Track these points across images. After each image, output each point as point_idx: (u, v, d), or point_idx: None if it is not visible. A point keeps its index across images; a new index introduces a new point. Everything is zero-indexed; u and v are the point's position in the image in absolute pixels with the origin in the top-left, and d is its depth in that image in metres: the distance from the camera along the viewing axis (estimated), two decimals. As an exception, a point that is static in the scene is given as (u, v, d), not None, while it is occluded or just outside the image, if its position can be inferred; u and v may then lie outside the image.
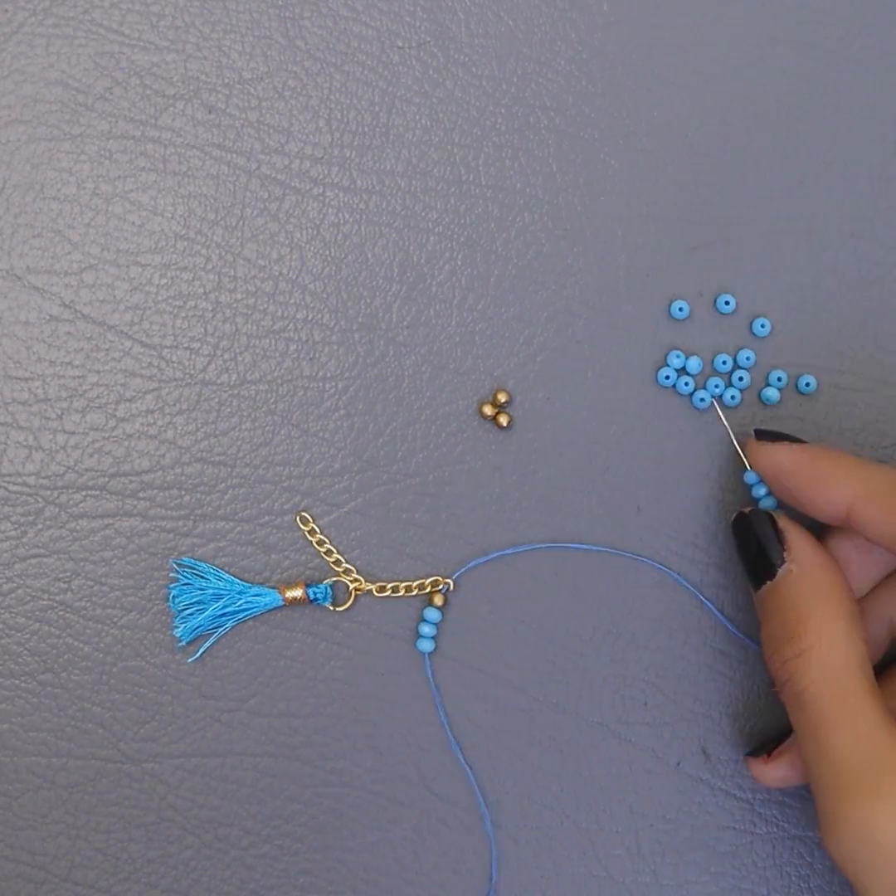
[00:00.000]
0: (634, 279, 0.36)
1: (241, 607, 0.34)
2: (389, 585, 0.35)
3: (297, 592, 0.34)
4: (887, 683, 0.32)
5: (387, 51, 0.36)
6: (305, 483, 0.35)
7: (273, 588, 0.34)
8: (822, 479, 0.30)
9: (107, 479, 0.35)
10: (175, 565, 0.34)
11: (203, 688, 0.35)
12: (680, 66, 0.37)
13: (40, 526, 0.35)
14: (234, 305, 0.36)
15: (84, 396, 0.35)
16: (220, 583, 0.34)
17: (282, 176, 0.36)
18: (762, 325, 0.36)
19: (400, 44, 0.37)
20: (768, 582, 0.30)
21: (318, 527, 0.35)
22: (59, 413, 0.35)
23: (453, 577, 0.35)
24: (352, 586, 0.35)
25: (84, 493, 0.35)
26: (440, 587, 0.35)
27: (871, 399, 0.36)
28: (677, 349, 0.36)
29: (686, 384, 0.36)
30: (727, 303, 0.36)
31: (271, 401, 0.35)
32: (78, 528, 0.35)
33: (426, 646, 0.35)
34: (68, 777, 0.34)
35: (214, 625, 0.34)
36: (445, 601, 0.35)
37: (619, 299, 0.36)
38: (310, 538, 0.35)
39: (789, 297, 0.36)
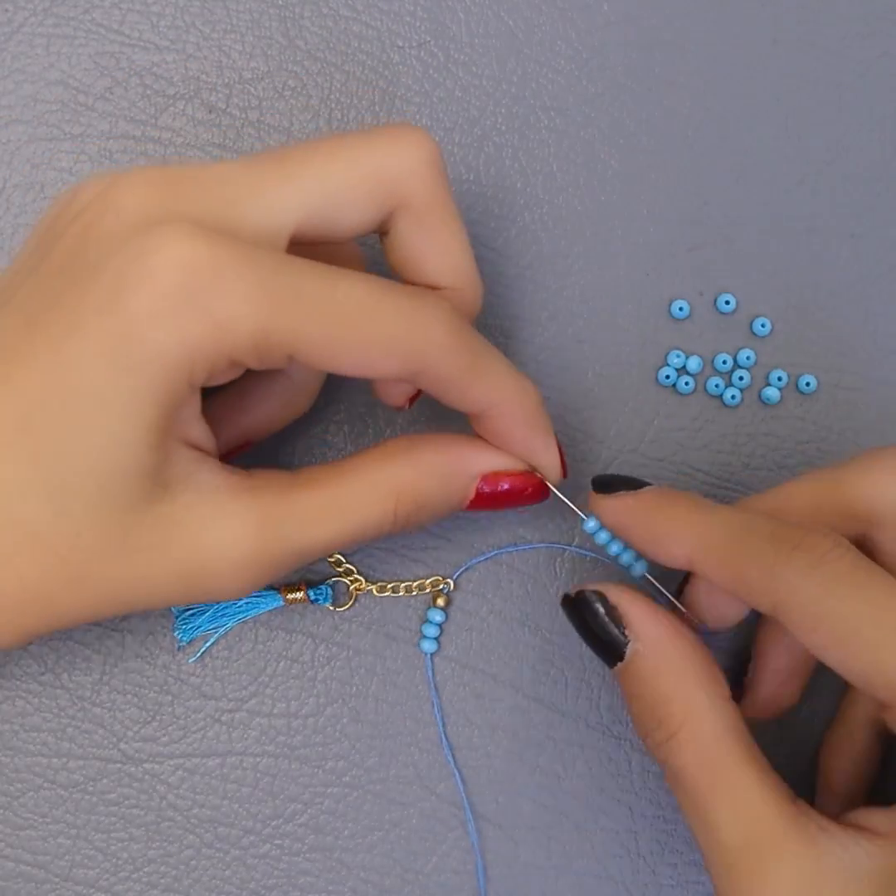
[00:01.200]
0: (634, 279, 0.36)
1: (241, 608, 0.34)
2: (389, 585, 0.35)
3: (298, 594, 0.34)
4: None
5: (387, 51, 0.36)
6: (305, 483, 0.35)
7: (273, 589, 0.34)
8: (658, 532, 0.29)
9: (107, 479, 0.35)
10: None
11: (203, 688, 0.35)
12: (680, 66, 0.37)
13: (41, 526, 0.35)
14: (235, 305, 0.36)
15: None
16: None
17: (282, 176, 0.36)
18: (762, 325, 0.36)
19: (400, 44, 0.37)
20: (619, 663, 0.28)
21: None
22: (60, 413, 0.35)
23: (454, 577, 0.35)
24: (352, 587, 0.35)
25: (84, 493, 0.35)
26: (440, 587, 0.35)
27: (871, 399, 0.36)
28: (677, 349, 0.36)
29: (686, 384, 0.36)
30: (727, 303, 0.36)
31: (271, 401, 0.35)
32: (78, 528, 0.35)
33: (429, 647, 0.35)
34: (69, 777, 0.34)
35: (214, 625, 0.34)
36: (448, 602, 0.35)
37: (619, 299, 0.36)
38: None
39: (789, 297, 0.36)
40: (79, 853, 0.34)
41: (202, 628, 0.34)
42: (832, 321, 0.36)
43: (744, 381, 0.36)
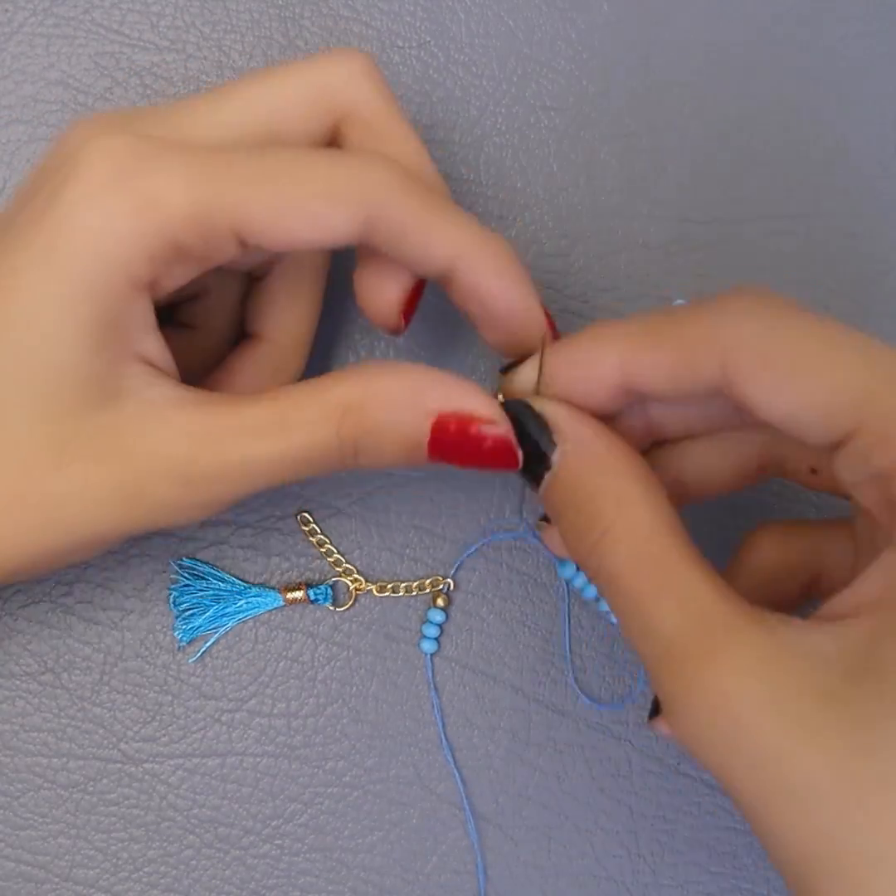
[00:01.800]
0: (634, 279, 0.36)
1: (241, 608, 0.34)
2: (389, 585, 0.35)
3: (298, 594, 0.34)
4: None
5: (387, 51, 0.36)
6: (306, 484, 0.35)
7: (273, 589, 0.34)
8: (580, 359, 0.27)
9: (107, 479, 0.35)
10: (175, 566, 0.34)
11: (203, 688, 0.35)
12: (680, 66, 0.37)
13: (41, 526, 0.35)
14: (235, 306, 0.36)
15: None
16: (220, 583, 0.34)
17: (282, 176, 0.36)
18: (762, 325, 0.36)
19: (400, 44, 0.37)
20: (547, 473, 0.26)
21: (318, 527, 0.35)
22: (60, 413, 0.35)
23: (451, 575, 0.35)
24: (352, 586, 0.35)
25: (84, 493, 0.35)
26: (440, 587, 0.35)
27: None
28: (677, 349, 0.36)
29: (686, 384, 0.36)
30: (727, 303, 0.36)
31: (271, 401, 0.35)
32: (78, 528, 0.35)
33: (429, 647, 0.35)
34: (69, 777, 0.34)
35: (215, 625, 0.34)
36: (448, 602, 0.35)
37: (619, 299, 0.36)
38: (310, 539, 0.35)
39: (789, 297, 0.36)
40: (79, 853, 0.34)
41: (202, 628, 0.34)
42: (832, 321, 0.36)
43: (744, 382, 0.36)
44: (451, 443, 0.26)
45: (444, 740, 0.35)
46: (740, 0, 0.37)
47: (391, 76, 0.36)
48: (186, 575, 0.34)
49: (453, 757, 0.35)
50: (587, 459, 0.26)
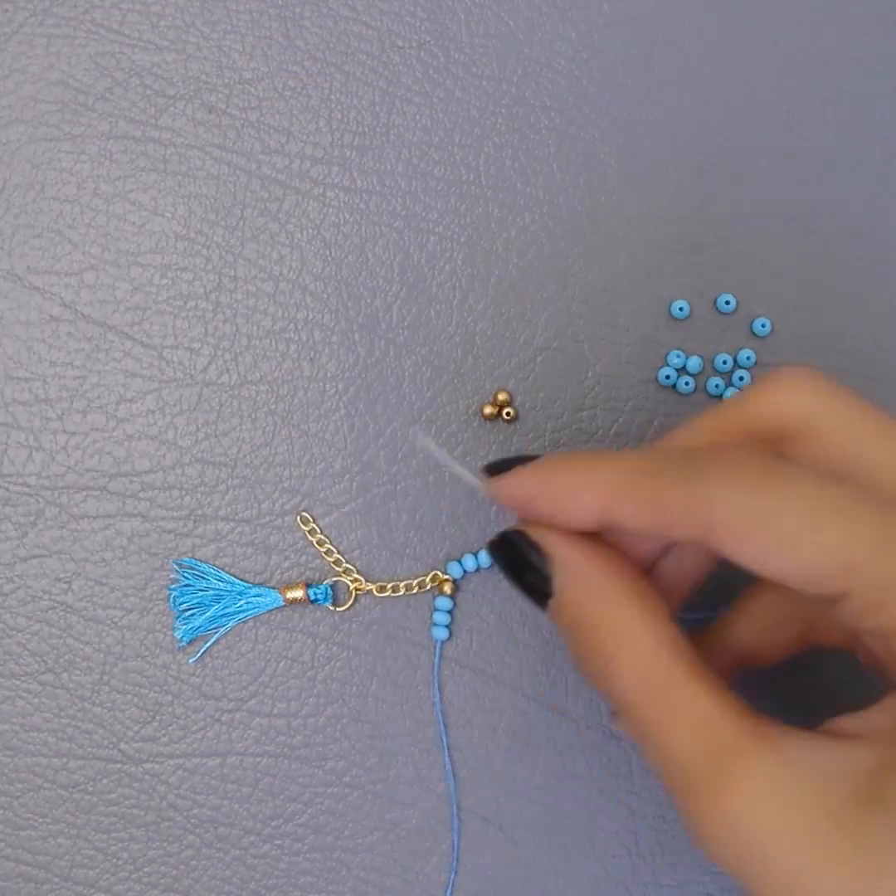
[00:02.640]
0: (634, 279, 0.36)
1: (241, 608, 0.34)
2: (389, 585, 0.35)
3: (298, 593, 0.34)
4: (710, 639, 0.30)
5: (387, 51, 0.36)
6: (305, 484, 0.35)
7: (273, 588, 0.34)
8: (564, 490, 0.27)
9: (107, 479, 0.35)
10: (175, 566, 0.34)
11: (203, 688, 0.35)
12: (680, 66, 0.37)
13: (41, 526, 0.35)
14: (235, 306, 0.36)
15: (85, 397, 0.35)
16: (220, 583, 0.34)
17: (282, 176, 0.36)
18: (762, 325, 0.36)
19: (400, 44, 0.37)
20: (550, 600, 0.27)
21: (318, 527, 0.35)
22: (60, 413, 0.35)
23: (455, 577, 0.35)
24: (352, 586, 0.35)
25: (85, 493, 0.35)
26: (439, 582, 0.35)
27: (871, 399, 0.36)
28: (677, 349, 0.36)
29: (686, 384, 0.36)
30: (727, 303, 0.36)
31: (272, 401, 0.35)
32: (79, 528, 0.35)
33: (441, 634, 0.35)
34: (69, 777, 0.34)
35: (215, 625, 0.34)
36: (456, 589, 0.35)
37: (619, 299, 0.36)
38: (310, 538, 0.35)
39: (789, 297, 0.36)
40: (79, 853, 0.34)
41: (202, 628, 0.34)
42: (832, 321, 0.36)
43: (744, 381, 0.36)
44: None
45: (443, 738, 0.35)
46: (740, 0, 0.37)
47: (391, 76, 0.36)
48: (187, 575, 0.34)
49: (450, 755, 0.35)
50: (584, 588, 0.26)
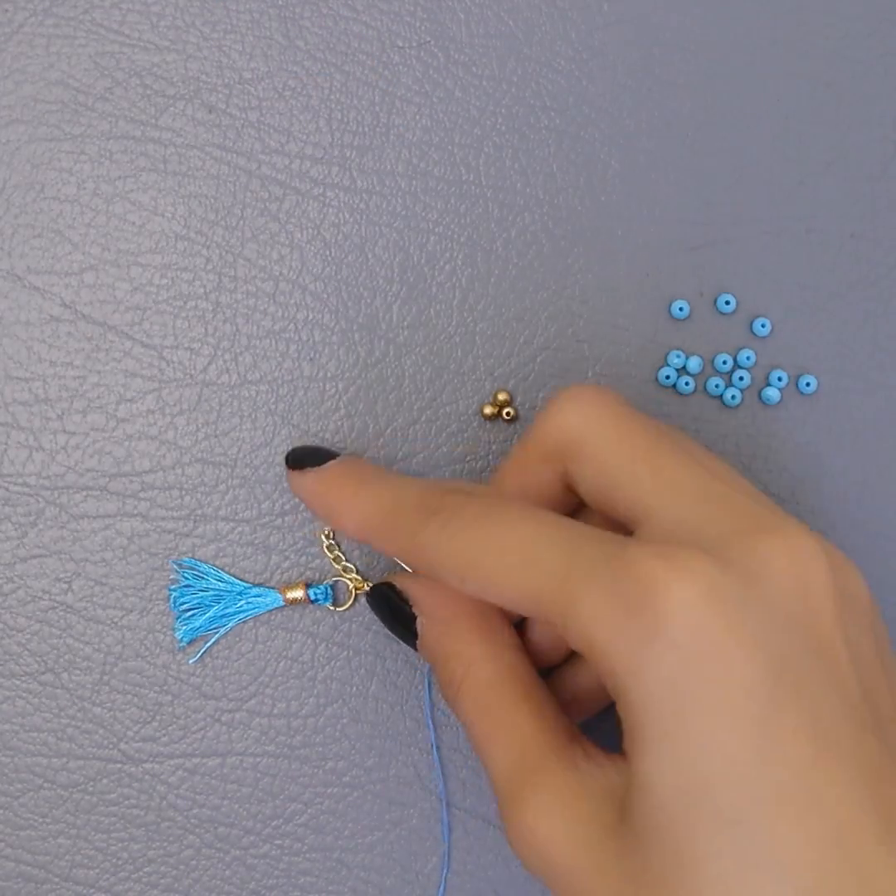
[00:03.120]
0: (634, 279, 0.36)
1: (241, 608, 0.34)
2: None
3: (298, 593, 0.34)
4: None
5: (387, 51, 0.36)
6: (305, 483, 0.35)
7: (273, 588, 0.34)
8: (332, 508, 0.31)
9: (107, 479, 0.35)
10: (175, 566, 0.34)
11: (203, 688, 0.35)
12: (680, 66, 0.37)
13: (41, 526, 0.35)
14: (235, 306, 0.36)
15: (85, 397, 0.35)
16: (220, 583, 0.34)
17: (282, 176, 0.36)
18: (762, 325, 0.36)
19: (400, 44, 0.37)
20: (417, 640, 0.31)
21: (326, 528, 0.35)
22: (60, 413, 0.35)
23: None
24: (352, 586, 0.35)
25: (85, 493, 0.35)
26: None
27: (871, 399, 0.36)
28: (677, 349, 0.36)
29: (686, 384, 0.36)
30: (727, 303, 0.36)
31: (272, 401, 0.35)
32: (79, 528, 0.35)
33: None
34: (69, 777, 0.34)
35: (215, 626, 0.34)
36: None
37: (619, 299, 0.36)
38: (326, 548, 0.35)
39: (789, 297, 0.36)
40: (79, 853, 0.34)
41: (202, 629, 0.34)
42: (832, 321, 0.36)
43: (744, 382, 0.36)
44: None
45: (432, 738, 0.35)
46: (740, 0, 0.37)
47: (391, 76, 0.36)
48: (187, 575, 0.34)
49: (450, 756, 0.35)
50: (439, 628, 0.30)
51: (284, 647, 0.35)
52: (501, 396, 0.35)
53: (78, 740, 0.34)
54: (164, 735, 0.34)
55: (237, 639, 0.35)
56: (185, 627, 0.34)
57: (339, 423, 0.35)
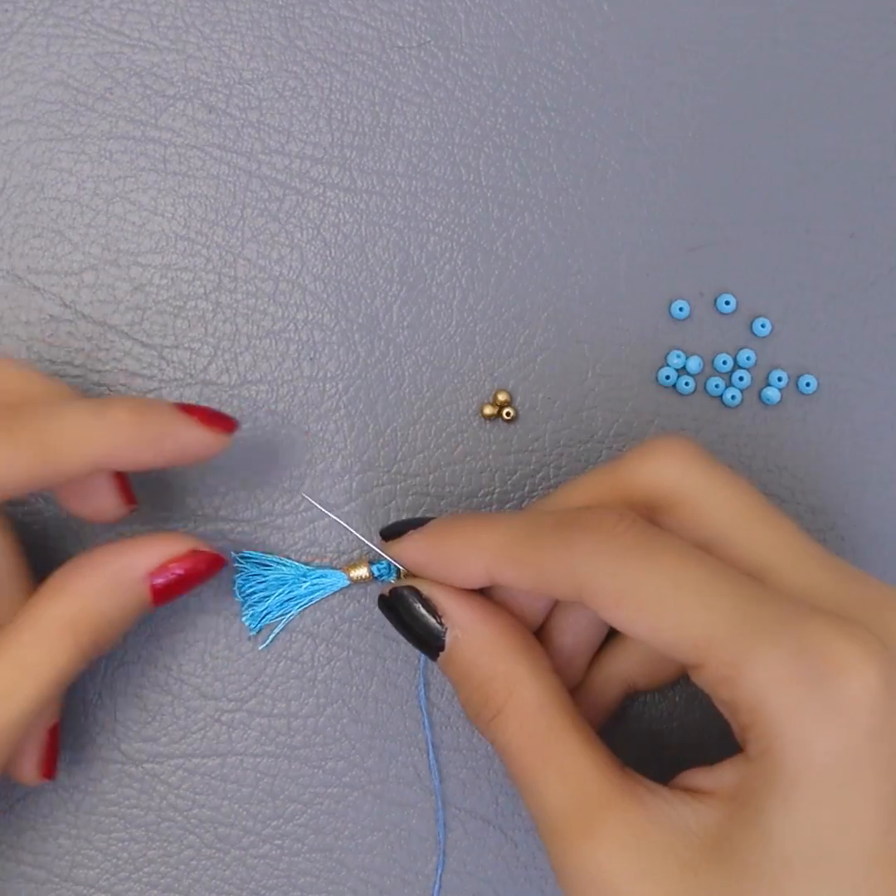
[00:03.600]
0: (634, 279, 0.36)
1: (307, 591, 0.34)
2: None
3: (362, 571, 0.34)
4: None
5: (387, 51, 0.36)
6: (305, 484, 0.35)
7: (336, 569, 0.34)
8: (453, 556, 0.29)
9: (107, 479, 0.35)
10: (238, 559, 0.34)
11: (203, 688, 0.35)
12: (680, 66, 0.37)
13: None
14: (235, 306, 0.36)
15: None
16: (283, 568, 0.34)
17: (282, 176, 0.36)
18: (762, 325, 0.36)
19: (400, 44, 0.37)
20: (442, 652, 0.29)
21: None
22: (60, 413, 0.35)
23: None
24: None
25: (84, 493, 0.35)
26: None
27: (871, 399, 0.36)
28: (677, 349, 0.36)
29: (686, 384, 0.36)
30: (727, 303, 0.36)
31: (272, 401, 0.35)
32: (79, 528, 0.35)
33: None
34: (69, 778, 0.34)
35: (281, 612, 0.34)
36: None
37: (619, 299, 0.36)
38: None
39: (789, 297, 0.36)
40: (79, 853, 0.34)
41: (271, 614, 0.34)
42: (832, 321, 0.36)
43: (744, 382, 0.36)
44: (170, 588, 0.29)
45: (429, 739, 0.35)
46: (740, 0, 0.37)
47: (391, 76, 0.36)
48: (250, 564, 0.34)
49: (436, 756, 0.35)
50: (477, 644, 0.29)
51: (284, 647, 0.35)
52: (501, 396, 0.35)
53: (78, 740, 0.34)
54: (165, 735, 0.34)
55: (237, 639, 0.35)
56: (251, 612, 0.34)
57: (339, 423, 0.35)
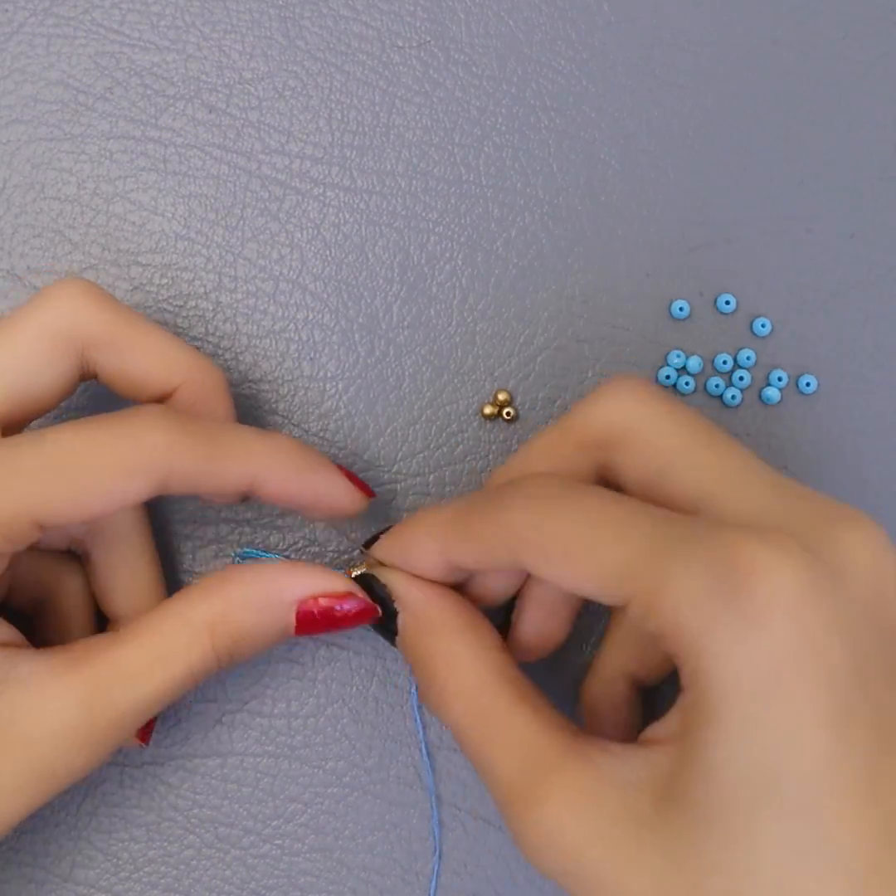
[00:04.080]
0: (634, 279, 0.36)
1: None
2: None
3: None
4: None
5: (387, 51, 0.36)
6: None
7: (339, 568, 0.34)
8: (408, 547, 0.30)
9: (107, 479, 0.35)
10: (238, 559, 0.34)
11: (204, 688, 0.35)
12: (680, 66, 0.37)
13: (41, 526, 0.35)
14: (235, 306, 0.36)
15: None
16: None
17: (282, 176, 0.36)
18: (762, 325, 0.36)
19: (400, 44, 0.37)
20: (396, 636, 0.30)
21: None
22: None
23: None
24: None
25: (84, 493, 0.35)
26: None
27: (871, 399, 0.36)
28: (677, 349, 0.36)
29: (686, 384, 0.36)
30: (727, 303, 0.36)
31: (272, 401, 0.35)
32: (78, 528, 0.35)
33: None
34: (69, 777, 0.34)
35: None
36: None
37: (619, 299, 0.36)
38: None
39: (789, 297, 0.36)
40: (80, 854, 0.34)
41: None
42: (832, 321, 0.36)
43: (744, 382, 0.36)
44: (316, 622, 0.30)
45: (421, 738, 0.35)
46: (740, 0, 0.37)
47: (391, 76, 0.36)
48: (249, 563, 0.34)
49: (429, 753, 0.35)
50: (421, 624, 0.29)
51: (285, 648, 0.35)
52: (501, 396, 0.35)
53: (78, 740, 0.34)
54: (165, 735, 0.34)
55: (237, 639, 0.35)
56: None
57: (339, 423, 0.35)
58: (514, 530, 0.27)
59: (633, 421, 0.29)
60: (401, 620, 0.30)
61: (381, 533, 0.31)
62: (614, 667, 0.32)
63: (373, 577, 0.31)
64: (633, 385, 0.29)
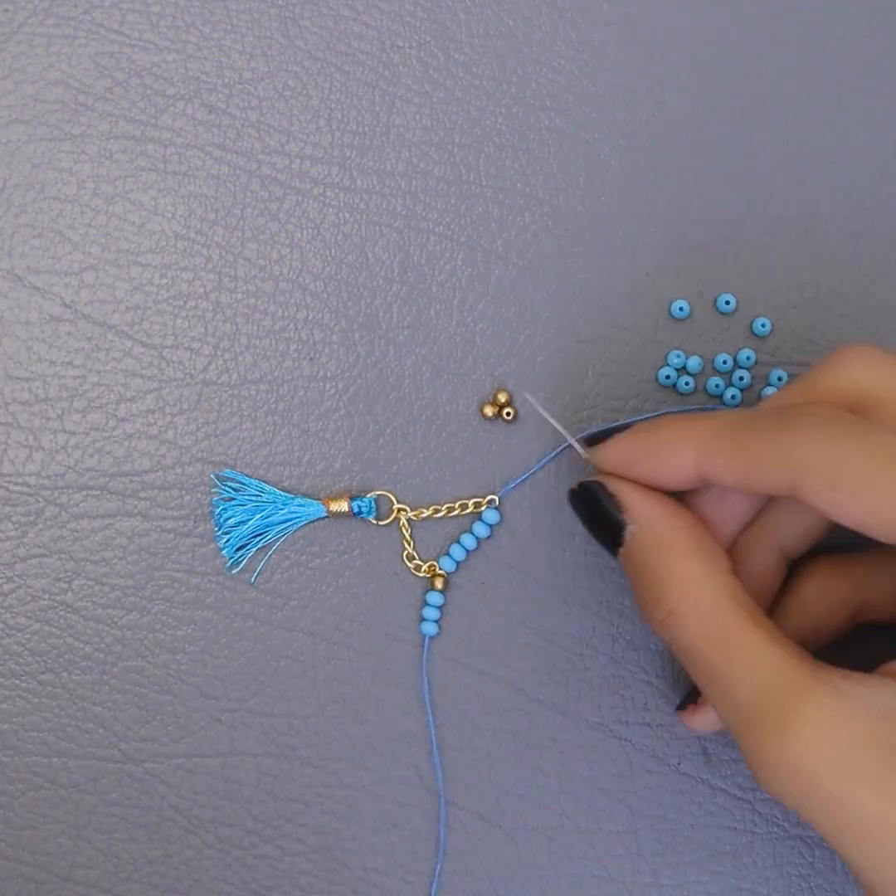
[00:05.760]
0: (634, 279, 0.36)
1: (284, 517, 0.34)
2: (431, 507, 0.35)
3: (342, 505, 0.33)
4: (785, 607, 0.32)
5: (387, 51, 0.36)
6: (305, 483, 0.35)
7: (316, 500, 0.34)
8: (660, 451, 0.28)
9: (107, 479, 0.35)
10: (216, 479, 0.34)
11: (203, 688, 0.35)
12: (680, 66, 0.37)
13: (41, 526, 0.35)
14: (235, 305, 0.36)
15: (84, 396, 0.35)
16: (262, 495, 0.34)
17: (282, 176, 0.36)
18: (762, 325, 0.36)
19: (400, 44, 0.37)
20: (620, 548, 0.29)
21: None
22: (60, 413, 0.35)
23: (499, 494, 0.35)
24: (396, 504, 0.34)
25: (85, 493, 0.35)
26: (483, 508, 0.35)
27: (872, 399, 0.36)
28: (677, 349, 0.36)
29: (686, 384, 0.36)
30: (727, 303, 0.36)
31: (272, 401, 0.35)
32: (78, 528, 0.35)
33: (429, 629, 0.34)
34: (69, 777, 0.34)
35: (258, 535, 0.34)
36: (447, 585, 0.35)
37: (619, 299, 0.36)
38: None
39: (789, 297, 0.36)
40: (79, 854, 0.34)
41: (250, 547, 0.34)
42: (832, 321, 0.36)
43: (744, 381, 0.36)
44: None
45: (432, 737, 0.35)
46: (740, 0, 0.37)
47: (391, 76, 0.36)
48: (228, 487, 0.34)
49: (451, 757, 0.35)
50: (652, 540, 0.28)
51: (284, 647, 0.35)
52: (501, 396, 0.35)
53: (78, 740, 0.34)
54: (165, 735, 0.34)
55: (237, 637, 0.35)
56: (227, 538, 0.34)
57: (339, 423, 0.35)
58: (801, 455, 0.25)
59: (880, 390, 0.28)
60: (629, 534, 0.29)
61: (607, 431, 0.30)
62: (785, 631, 0.31)
63: (599, 484, 0.29)
64: (874, 353, 0.29)
